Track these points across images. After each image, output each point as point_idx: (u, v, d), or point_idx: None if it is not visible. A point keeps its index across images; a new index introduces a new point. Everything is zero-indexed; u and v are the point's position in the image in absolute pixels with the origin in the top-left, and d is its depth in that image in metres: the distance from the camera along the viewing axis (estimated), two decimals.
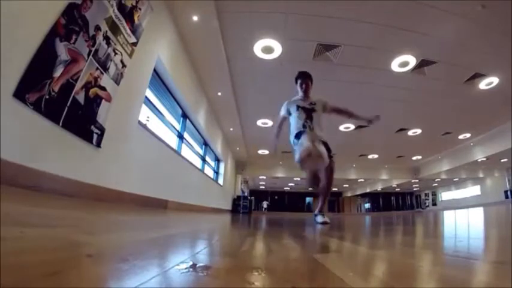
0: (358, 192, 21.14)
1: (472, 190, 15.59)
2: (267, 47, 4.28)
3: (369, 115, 2.81)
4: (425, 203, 20.08)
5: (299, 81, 2.81)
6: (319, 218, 2.58)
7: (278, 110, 2.95)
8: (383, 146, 9.66)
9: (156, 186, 3.57)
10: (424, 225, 2.28)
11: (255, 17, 3.69)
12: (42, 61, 1.63)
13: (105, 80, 2.31)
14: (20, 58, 1.51)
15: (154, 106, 3.83)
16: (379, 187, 17.93)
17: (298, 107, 2.71)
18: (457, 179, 14.86)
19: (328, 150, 2.48)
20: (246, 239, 1.13)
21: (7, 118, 1.42)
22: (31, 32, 1.58)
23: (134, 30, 2.71)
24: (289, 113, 2.77)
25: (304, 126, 2.60)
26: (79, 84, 1.99)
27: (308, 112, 2.68)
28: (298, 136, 2.54)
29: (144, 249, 0.63)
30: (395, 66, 4.70)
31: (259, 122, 7.55)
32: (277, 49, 4.32)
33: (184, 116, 5.26)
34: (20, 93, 1.50)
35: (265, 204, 21.65)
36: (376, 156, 11.20)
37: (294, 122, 2.70)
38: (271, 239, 1.23)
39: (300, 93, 2.82)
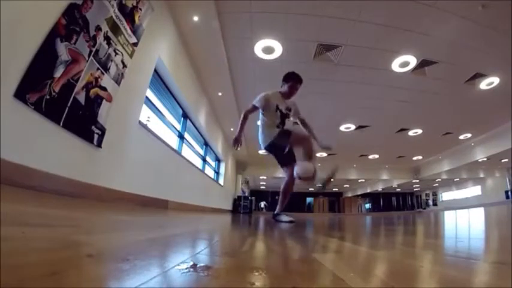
0: (359, 192, 21.12)
1: (473, 190, 15.58)
2: (268, 47, 4.28)
3: (324, 142, 2.89)
4: (427, 202, 20.05)
5: (291, 83, 2.79)
6: (285, 217, 2.65)
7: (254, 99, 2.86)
8: (384, 146, 9.65)
9: (156, 187, 3.57)
10: (424, 226, 2.27)
11: (255, 17, 3.69)
12: (43, 61, 1.63)
13: (106, 80, 2.32)
14: (21, 58, 1.51)
15: (154, 106, 3.83)
16: (379, 187, 17.92)
17: (277, 108, 2.73)
18: (457, 179, 14.84)
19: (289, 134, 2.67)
20: (247, 239, 1.13)
21: (7, 118, 1.42)
22: (32, 32, 1.58)
23: (135, 31, 2.71)
24: (264, 108, 2.75)
25: (277, 127, 2.73)
26: (80, 85, 1.99)
27: (283, 117, 2.77)
28: (272, 136, 2.70)
29: (144, 249, 0.63)
30: (395, 66, 4.70)
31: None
32: (278, 49, 4.32)
33: (185, 116, 5.26)
34: (20, 93, 1.50)
35: (262, 204, 21.50)
36: (376, 156, 11.19)
37: (268, 120, 2.77)
38: (272, 239, 1.23)
39: (283, 91, 2.82)
